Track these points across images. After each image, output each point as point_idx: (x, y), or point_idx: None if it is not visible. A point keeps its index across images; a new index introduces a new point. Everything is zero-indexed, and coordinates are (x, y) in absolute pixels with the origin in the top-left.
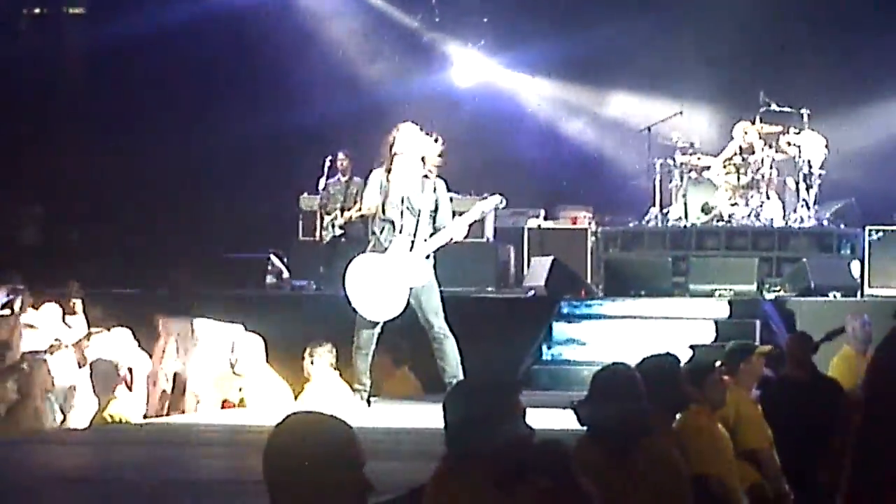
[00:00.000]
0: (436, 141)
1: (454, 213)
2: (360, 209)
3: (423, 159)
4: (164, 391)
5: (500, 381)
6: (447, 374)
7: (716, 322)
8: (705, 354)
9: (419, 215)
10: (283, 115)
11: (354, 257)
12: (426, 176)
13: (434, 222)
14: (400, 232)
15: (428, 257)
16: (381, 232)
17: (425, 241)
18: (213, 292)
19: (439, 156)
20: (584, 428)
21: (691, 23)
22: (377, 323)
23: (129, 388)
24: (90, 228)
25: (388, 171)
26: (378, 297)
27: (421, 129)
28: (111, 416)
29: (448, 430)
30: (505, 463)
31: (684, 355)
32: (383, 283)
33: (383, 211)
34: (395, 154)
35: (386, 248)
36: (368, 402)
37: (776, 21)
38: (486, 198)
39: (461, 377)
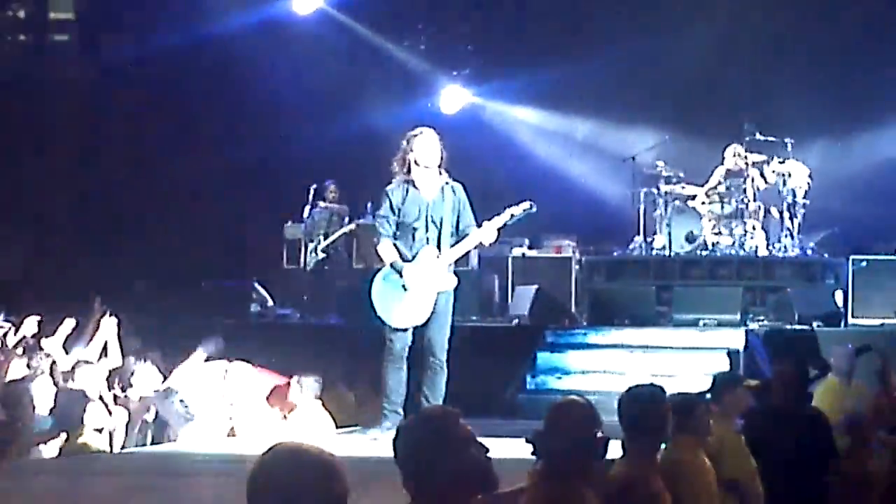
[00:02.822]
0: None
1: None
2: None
3: (440, 165)
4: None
5: (437, 411)
6: (426, 402)
7: (700, 351)
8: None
9: (441, 224)
10: (268, 144)
11: (378, 270)
12: (447, 182)
13: (457, 228)
14: (426, 242)
15: (454, 264)
16: (406, 243)
17: (451, 247)
18: (196, 320)
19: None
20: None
21: (674, 52)
22: (406, 331)
23: (108, 417)
24: (74, 257)
25: (408, 181)
26: (404, 304)
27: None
28: (83, 445)
29: (399, 463)
30: (462, 489)
31: (667, 384)
32: (410, 291)
33: (404, 223)
34: (413, 162)
35: (410, 259)
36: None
37: (759, 51)
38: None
39: None
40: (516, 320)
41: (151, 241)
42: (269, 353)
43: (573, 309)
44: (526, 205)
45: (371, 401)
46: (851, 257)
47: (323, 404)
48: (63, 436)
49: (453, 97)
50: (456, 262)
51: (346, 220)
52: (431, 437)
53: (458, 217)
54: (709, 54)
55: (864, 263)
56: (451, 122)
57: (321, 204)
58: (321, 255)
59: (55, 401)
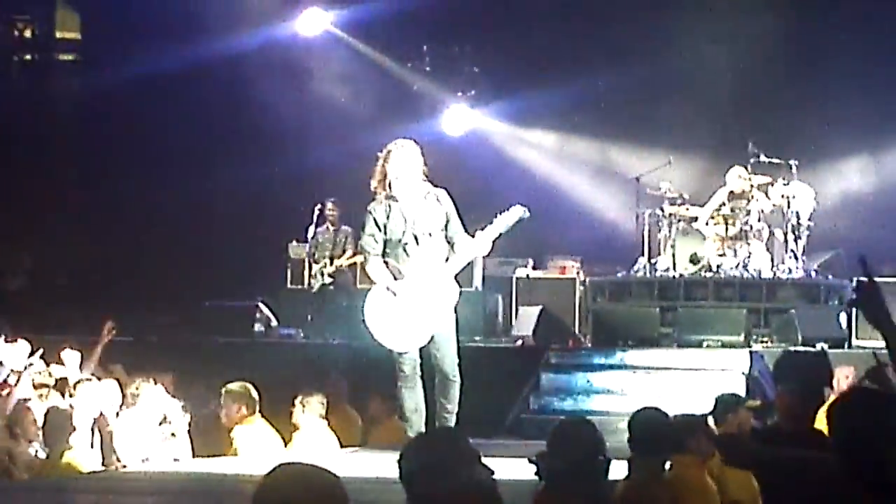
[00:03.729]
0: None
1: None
2: (357, 251)
3: (423, 175)
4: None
5: (447, 429)
6: (445, 409)
7: (704, 372)
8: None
9: (430, 236)
10: (272, 163)
11: (369, 291)
12: (429, 192)
13: (446, 237)
14: (417, 258)
15: (452, 281)
16: (397, 260)
17: (446, 260)
18: (200, 340)
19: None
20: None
21: (680, 74)
22: (412, 352)
23: (103, 438)
24: (77, 276)
25: (389, 197)
26: (404, 325)
27: (416, 144)
28: (66, 465)
29: (404, 483)
30: None
31: (671, 405)
32: (407, 311)
33: (391, 240)
34: (392, 178)
35: (403, 277)
36: None
37: (765, 72)
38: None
39: (454, 413)
40: (520, 341)
41: (155, 260)
42: (273, 373)
43: (577, 330)
44: (518, 210)
45: (383, 421)
46: (855, 279)
47: (329, 424)
48: (45, 454)
49: (458, 118)
50: (459, 281)
51: (347, 240)
52: (437, 457)
53: (447, 226)
54: (715, 76)
55: None
56: (456, 142)
57: (325, 224)
58: (328, 280)
59: (45, 419)
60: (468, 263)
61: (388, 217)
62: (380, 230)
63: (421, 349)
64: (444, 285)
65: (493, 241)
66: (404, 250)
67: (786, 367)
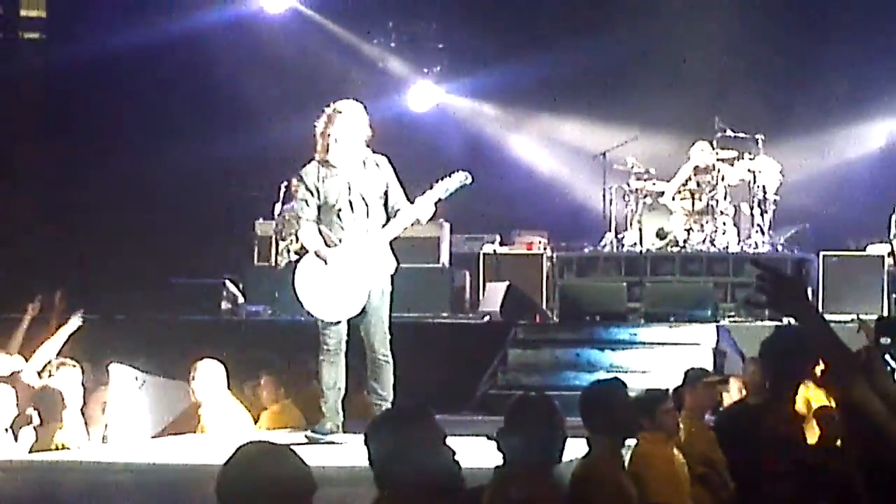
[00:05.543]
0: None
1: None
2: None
3: (366, 141)
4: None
5: (417, 406)
6: (379, 395)
7: (671, 347)
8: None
9: (366, 204)
10: (239, 140)
11: (301, 258)
12: (367, 157)
13: (386, 205)
14: (352, 223)
15: (388, 252)
16: (330, 227)
17: (383, 226)
18: (167, 318)
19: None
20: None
21: (646, 49)
22: (339, 323)
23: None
24: (43, 254)
25: (324, 161)
26: (334, 294)
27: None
28: (57, 445)
29: (374, 466)
30: (429, 488)
31: (639, 380)
32: (339, 279)
33: (326, 205)
34: (333, 140)
35: (336, 244)
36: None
37: (731, 48)
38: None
39: (389, 401)
40: (487, 317)
41: (122, 238)
42: (240, 351)
43: (544, 305)
44: (460, 175)
45: (352, 397)
46: (822, 253)
47: (296, 402)
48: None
49: (423, 95)
50: (426, 259)
51: None
52: (403, 434)
53: (387, 194)
54: (681, 50)
55: (834, 259)
56: (421, 119)
57: (292, 202)
58: (295, 257)
59: (39, 399)
60: (435, 238)
61: (322, 181)
62: (313, 194)
63: (351, 326)
64: (378, 255)
65: (436, 206)
66: (338, 216)
67: (767, 344)
